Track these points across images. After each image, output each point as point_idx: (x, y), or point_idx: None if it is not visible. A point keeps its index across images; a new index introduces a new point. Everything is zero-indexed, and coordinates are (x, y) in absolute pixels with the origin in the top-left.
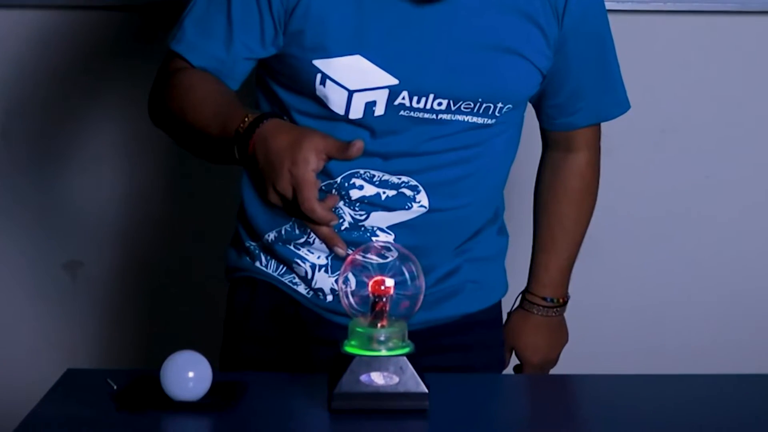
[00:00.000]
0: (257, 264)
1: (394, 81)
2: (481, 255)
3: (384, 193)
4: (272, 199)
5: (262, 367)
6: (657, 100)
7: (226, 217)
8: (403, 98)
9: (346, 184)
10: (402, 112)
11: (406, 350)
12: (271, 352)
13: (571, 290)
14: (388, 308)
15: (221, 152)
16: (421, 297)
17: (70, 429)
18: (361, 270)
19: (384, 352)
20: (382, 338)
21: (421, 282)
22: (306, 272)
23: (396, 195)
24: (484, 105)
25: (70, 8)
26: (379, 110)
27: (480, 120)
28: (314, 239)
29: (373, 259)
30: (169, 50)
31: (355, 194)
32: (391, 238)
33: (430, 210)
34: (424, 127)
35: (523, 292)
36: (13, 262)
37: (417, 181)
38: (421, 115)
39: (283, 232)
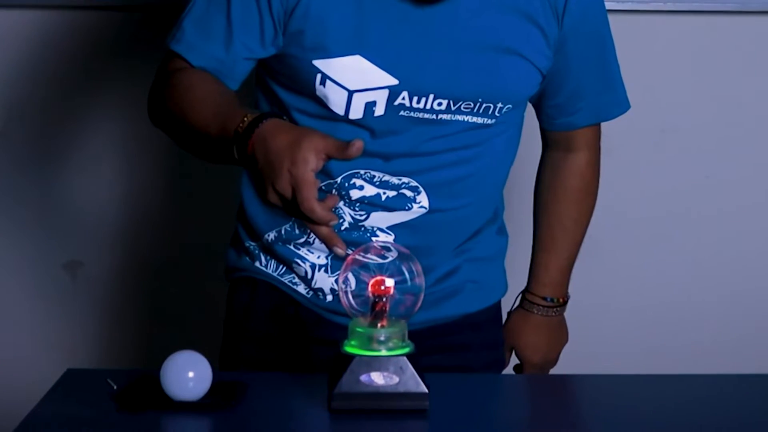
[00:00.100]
0: (257, 264)
1: (394, 81)
2: (480, 255)
3: (384, 193)
4: (272, 199)
5: (262, 367)
6: (657, 100)
7: (226, 217)
8: (403, 98)
9: (347, 184)
10: (402, 113)
11: (406, 350)
12: (271, 352)
13: (571, 290)
14: (388, 308)
15: (220, 152)
16: (421, 297)
17: (70, 429)
18: (361, 270)
19: (384, 352)
20: (382, 338)
21: (421, 282)
22: (306, 272)
23: (396, 196)
24: (484, 105)
25: (70, 8)
26: (379, 110)
27: (480, 120)
28: (314, 239)
29: (373, 259)
30: (169, 50)
31: (355, 194)
32: (391, 238)
33: (431, 210)
34: (424, 128)
35: (523, 292)
36: (13, 262)
37: (417, 181)
38: (421, 115)
39: (282, 232)
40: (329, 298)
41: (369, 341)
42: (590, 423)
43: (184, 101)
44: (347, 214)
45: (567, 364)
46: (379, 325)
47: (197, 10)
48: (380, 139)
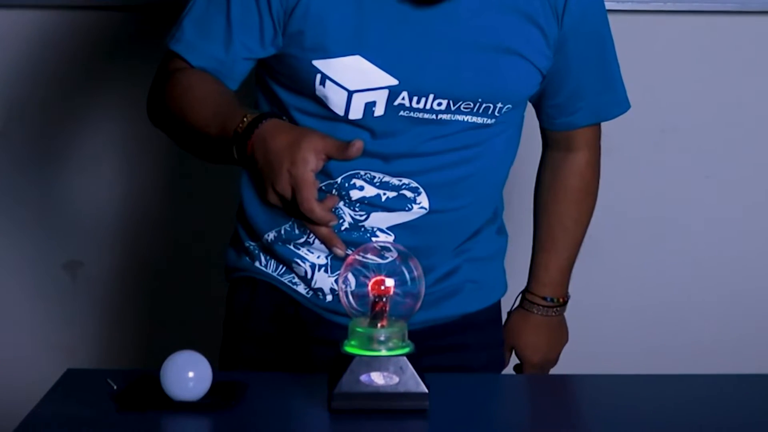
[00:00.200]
0: (257, 264)
1: (394, 81)
2: (480, 255)
3: (384, 194)
4: (271, 199)
5: (262, 367)
6: (657, 100)
7: (226, 217)
8: (403, 98)
9: (347, 185)
10: (402, 113)
11: (406, 350)
12: (271, 352)
13: (571, 290)
14: (388, 308)
15: (220, 152)
16: (421, 297)
17: (70, 429)
18: (361, 270)
19: (384, 352)
20: (382, 338)
21: (421, 282)
22: (305, 272)
23: (396, 196)
24: (484, 105)
25: (70, 8)
26: (379, 110)
27: (480, 120)
28: (314, 239)
29: (373, 259)
30: (168, 50)
31: (355, 195)
32: (390, 238)
33: (431, 211)
34: (424, 128)
35: (523, 292)
36: (13, 262)
37: (417, 182)
38: (420, 115)
39: (282, 232)
40: (329, 298)
41: (369, 341)
42: (590, 423)
43: (183, 101)
44: (347, 215)
45: (567, 364)
46: (379, 325)
47: (197, 10)
48: (380, 140)
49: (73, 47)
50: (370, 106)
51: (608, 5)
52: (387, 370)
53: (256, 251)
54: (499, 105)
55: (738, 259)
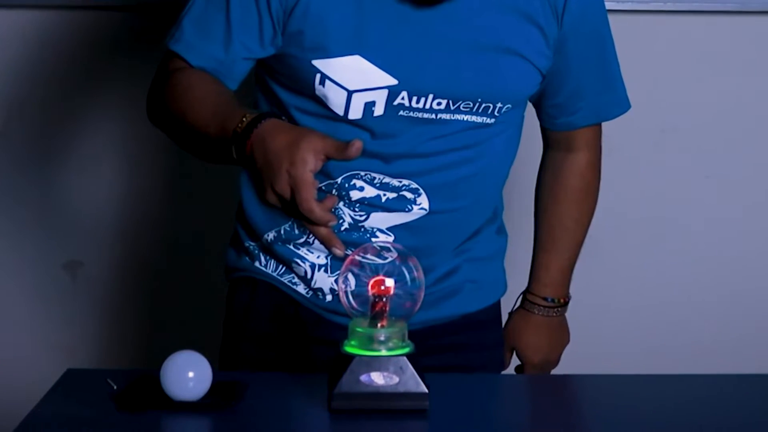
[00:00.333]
0: (257, 264)
1: (394, 81)
2: (480, 255)
3: (384, 195)
4: (271, 199)
5: (262, 367)
6: (657, 100)
7: (226, 217)
8: (403, 98)
9: (347, 185)
10: (401, 112)
11: (406, 350)
12: (271, 352)
13: (571, 290)
14: (388, 308)
15: (219, 152)
16: (421, 297)
17: (70, 429)
18: (361, 270)
19: (384, 352)
20: (382, 338)
21: (421, 282)
22: (305, 272)
23: (396, 197)
24: (484, 105)
25: (70, 8)
26: (379, 110)
27: (480, 119)
28: (314, 239)
29: (373, 259)
30: (168, 50)
31: (355, 195)
32: (390, 239)
33: (430, 212)
34: (424, 127)
35: (524, 293)
36: (13, 262)
37: (417, 183)
38: (420, 115)
39: (282, 231)
40: (329, 298)
41: (369, 341)
42: (590, 423)
43: (183, 101)
44: (347, 215)
45: (567, 364)
46: (379, 325)
47: (196, 10)
48: (380, 140)
49: (73, 47)
50: (369, 106)
51: (608, 5)
52: (387, 370)
53: (256, 251)
54: (499, 105)
55: (738, 259)
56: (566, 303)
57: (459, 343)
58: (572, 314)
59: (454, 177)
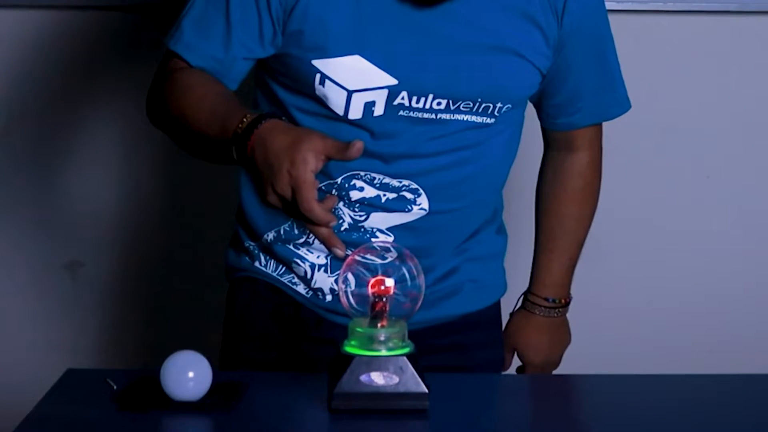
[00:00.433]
0: (257, 264)
1: (394, 81)
2: (480, 254)
3: (384, 195)
4: (271, 199)
5: (262, 367)
6: (657, 100)
7: (226, 218)
8: (403, 98)
9: (347, 185)
10: (401, 112)
11: (406, 350)
12: (271, 352)
13: (571, 290)
14: (388, 308)
15: (220, 153)
16: (421, 297)
17: (70, 429)
18: (361, 270)
19: (384, 352)
20: (382, 338)
21: (421, 282)
22: (305, 272)
23: (396, 198)
24: (484, 105)
25: (70, 8)
26: (379, 110)
27: (480, 119)
28: (313, 239)
29: (373, 259)
30: (168, 50)
31: (355, 195)
32: (390, 239)
33: (430, 212)
34: (424, 127)
35: (525, 293)
36: (13, 262)
37: (417, 184)
38: (420, 115)
39: (281, 232)
40: (329, 298)
41: (369, 341)
42: (590, 423)
43: (183, 101)
44: (347, 215)
45: (568, 364)
46: (379, 325)
47: (196, 10)
48: (380, 140)
49: (73, 47)
50: (369, 106)
51: (608, 5)
52: (387, 370)
53: (256, 251)
54: (499, 105)
55: (738, 259)
56: (567, 303)
57: (459, 343)
58: (573, 314)
59: (453, 177)
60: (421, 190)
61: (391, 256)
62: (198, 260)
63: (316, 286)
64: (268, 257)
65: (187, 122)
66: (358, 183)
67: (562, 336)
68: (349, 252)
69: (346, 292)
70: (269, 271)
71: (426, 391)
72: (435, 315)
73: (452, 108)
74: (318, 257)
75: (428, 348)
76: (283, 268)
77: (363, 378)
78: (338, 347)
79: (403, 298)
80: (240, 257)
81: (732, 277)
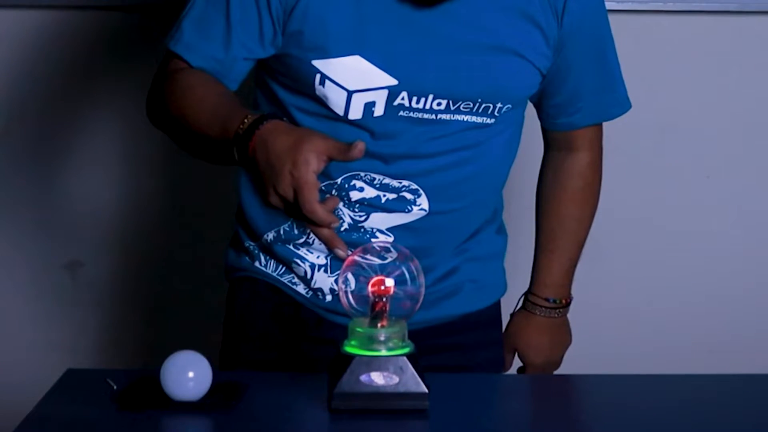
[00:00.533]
0: (257, 264)
1: (394, 81)
2: (479, 254)
3: (384, 196)
4: (273, 200)
5: (261, 367)
6: (657, 100)
7: (226, 218)
8: (403, 98)
9: (347, 186)
10: (401, 113)
11: (406, 350)
12: (271, 352)
13: (572, 290)
14: (388, 308)
15: (221, 153)
16: (421, 297)
17: (70, 429)
18: (361, 270)
19: (384, 352)
20: (382, 338)
21: (421, 282)
22: (305, 272)
23: (396, 198)
24: (484, 105)
25: (70, 8)
26: (379, 111)
27: (480, 120)
28: (313, 239)
29: (373, 259)
30: (168, 50)
31: (355, 196)
32: (390, 239)
33: (430, 213)
34: (424, 128)
35: (526, 293)
36: (13, 262)
37: (418, 184)
38: (420, 115)
39: (281, 232)
40: (329, 298)
41: (369, 341)
42: (590, 423)
43: (183, 102)
44: (347, 215)
45: (568, 364)
46: (379, 325)
47: (196, 11)
48: (380, 140)
49: (73, 47)
50: (369, 107)
51: (608, 5)
52: (387, 370)
53: (256, 251)
54: (499, 105)
55: (738, 259)
56: (568, 303)
57: (459, 343)
58: (573, 314)
59: (453, 177)
60: (421, 191)
61: (391, 256)
62: (198, 260)
63: (316, 286)
64: (268, 257)
65: (188, 123)
66: (358, 183)
67: (563, 336)
68: (349, 252)
69: (346, 292)
70: (269, 271)
71: (426, 391)
72: (435, 315)
73: (452, 108)
74: (318, 257)
75: (428, 348)
76: (283, 268)
77: (363, 378)
78: (338, 347)
79: (403, 298)
80: (240, 257)
81: (732, 277)
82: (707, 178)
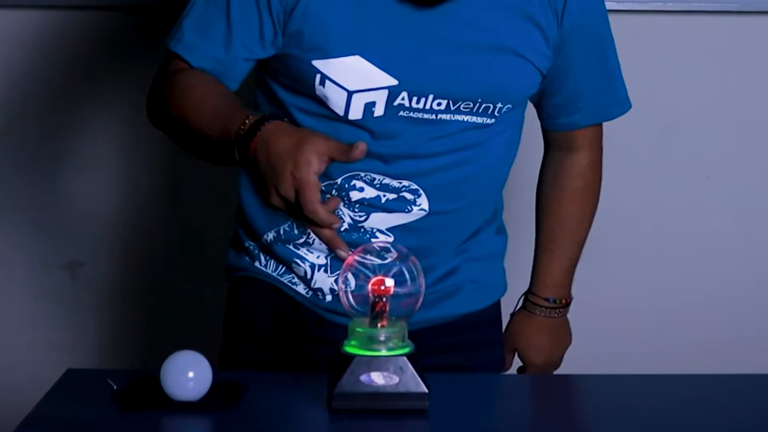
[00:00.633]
0: (257, 264)
1: (394, 81)
2: (479, 254)
3: (384, 196)
4: (274, 201)
5: (261, 367)
6: (657, 100)
7: (226, 218)
8: (403, 99)
9: (346, 186)
10: (401, 113)
11: (406, 350)
12: (271, 352)
13: (572, 290)
14: (388, 308)
15: (221, 154)
16: (421, 297)
17: (70, 429)
18: (361, 270)
19: (384, 352)
20: (382, 338)
21: (421, 282)
22: (305, 272)
23: (396, 198)
24: (484, 105)
25: (70, 8)
26: (379, 111)
27: (480, 120)
28: (313, 239)
29: (373, 259)
30: (168, 51)
31: (355, 196)
32: (390, 239)
33: (430, 213)
34: (424, 128)
35: (526, 293)
36: (13, 262)
37: (418, 184)
38: (420, 115)
39: (281, 232)
40: (329, 298)
41: (369, 341)
42: (590, 423)
43: (184, 102)
44: (347, 216)
45: (568, 364)
46: (379, 325)
47: (197, 11)
48: (380, 141)
49: (73, 47)
50: (369, 107)
51: (608, 5)
52: (387, 370)
53: (256, 251)
54: (499, 105)
55: (738, 259)
56: (568, 303)
57: (459, 343)
58: (573, 314)
59: (454, 178)
60: (421, 191)
61: (391, 256)
62: (198, 260)
63: (316, 286)
64: (268, 257)
65: (188, 123)
66: (358, 183)
67: (563, 336)
68: (350, 252)
69: (346, 292)
70: (269, 271)
71: (426, 391)
72: (435, 315)
73: (452, 108)
74: (318, 257)
75: (428, 348)
76: (283, 268)
77: (363, 378)
78: (338, 347)
79: (403, 298)
80: (240, 257)
81: (732, 277)
82: (707, 178)
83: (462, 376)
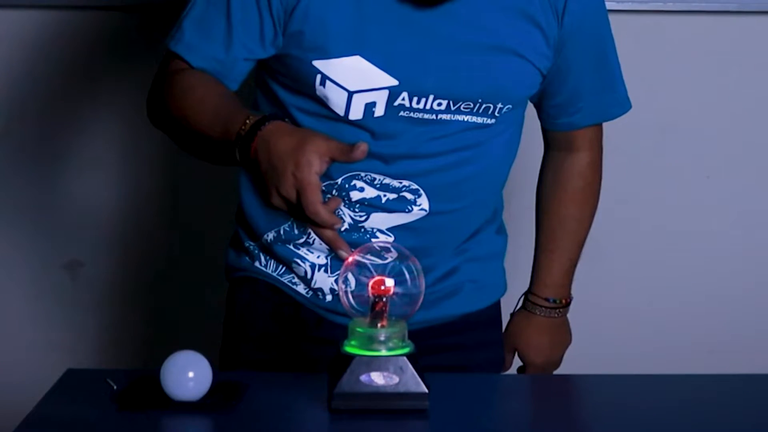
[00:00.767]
0: (257, 264)
1: (394, 82)
2: (479, 254)
3: (384, 196)
4: (275, 202)
5: (262, 367)
6: (657, 100)
7: (226, 218)
8: (403, 99)
9: (347, 186)
10: (402, 113)
11: (406, 350)
12: (271, 352)
13: (572, 290)
14: (388, 308)
15: (222, 154)
16: (421, 297)
17: (70, 429)
18: (361, 270)
19: (384, 352)
20: (382, 338)
21: (421, 282)
22: (305, 272)
23: (397, 198)
24: (484, 105)
25: (70, 8)
26: (379, 111)
27: (480, 120)
28: (314, 239)
29: (373, 259)
30: (168, 51)
31: (355, 196)
32: (390, 239)
33: (431, 213)
34: (424, 128)
35: (526, 293)
36: (13, 262)
37: (418, 184)
38: (420, 115)
39: (281, 232)
40: (329, 298)
41: (369, 341)
42: (590, 423)
43: (184, 102)
44: (347, 216)
45: (568, 364)
46: (379, 325)
47: (197, 11)
48: (380, 141)
49: (73, 47)
50: (370, 107)
51: (608, 5)
52: (387, 370)
53: (256, 251)
54: (499, 105)
55: (738, 259)
56: (568, 303)
57: (459, 343)
58: (573, 314)
59: (454, 178)
60: (422, 191)
61: (391, 256)
62: (198, 260)
63: (316, 286)
64: (268, 257)
65: (189, 123)
66: (359, 183)
67: (563, 336)
68: (351, 252)
69: (346, 292)
70: (269, 271)
71: (426, 391)
72: (435, 315)
73: (453, 108)
74: (318, 257)
75: (428, 348)
76: (283, 268)
77: (363, 378)
78: (338, 347)
79: (403, 298)
80: (240, 257)
81: (732, 277)
82: (707, 178)
83: (462, 376)
